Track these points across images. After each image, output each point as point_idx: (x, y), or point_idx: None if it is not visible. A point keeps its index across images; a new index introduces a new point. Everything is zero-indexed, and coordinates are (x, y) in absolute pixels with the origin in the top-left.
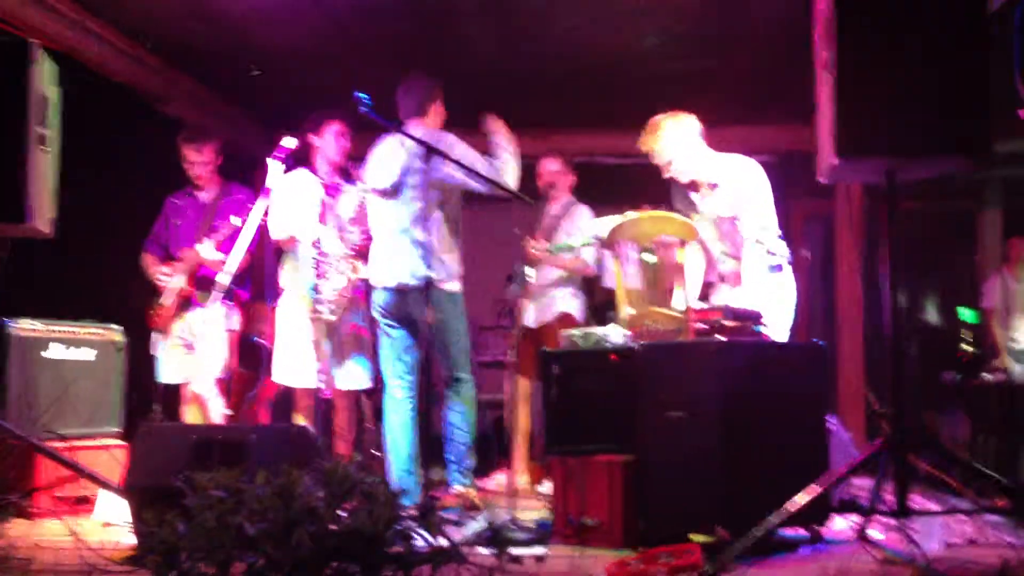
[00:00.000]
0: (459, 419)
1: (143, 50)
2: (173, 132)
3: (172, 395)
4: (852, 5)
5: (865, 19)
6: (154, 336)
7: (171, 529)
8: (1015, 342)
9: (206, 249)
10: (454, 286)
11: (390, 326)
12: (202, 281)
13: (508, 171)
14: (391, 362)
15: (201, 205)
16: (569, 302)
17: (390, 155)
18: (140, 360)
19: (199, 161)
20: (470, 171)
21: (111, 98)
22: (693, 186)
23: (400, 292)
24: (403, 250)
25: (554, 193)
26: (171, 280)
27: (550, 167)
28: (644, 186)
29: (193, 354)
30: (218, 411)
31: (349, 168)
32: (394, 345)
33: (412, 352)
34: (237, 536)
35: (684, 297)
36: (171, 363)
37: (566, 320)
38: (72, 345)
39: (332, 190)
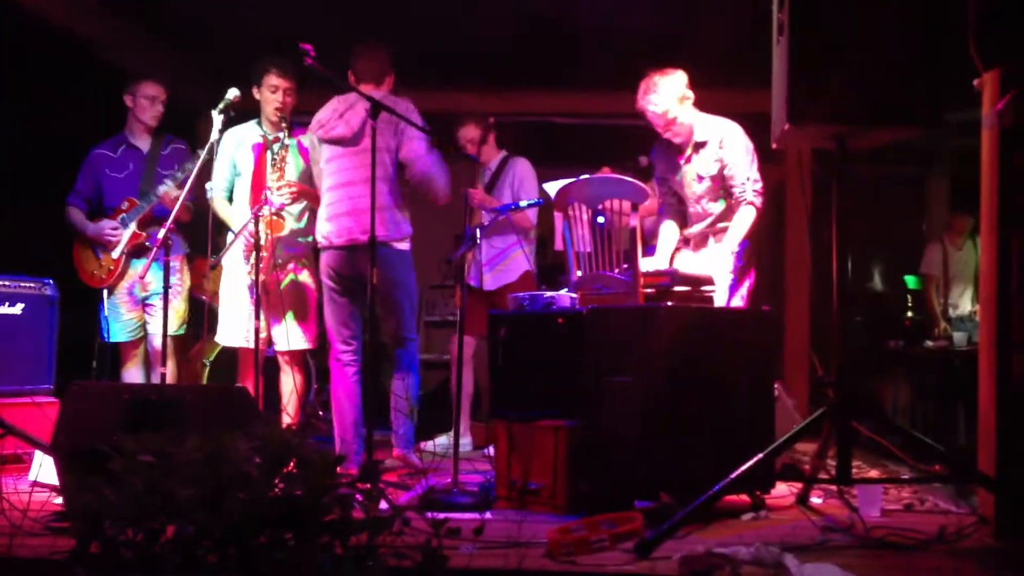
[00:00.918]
0: (401, 386)
1: None
2: (111, 81)
3: (108, 352)
4: None
5: None
6: (103, 294)
7: (95, 494)
8: (954, 308)
9: (172, 189)
10: (405, 245)
11: (335, 289)
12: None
13: (443, 181)
14: (337, 326)
15: (142, 156)
16: (522, 257)
17: (350, 110)
18: (76, 315)
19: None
20: (426, 140)
21: (45, 43)
22: (678, 145)
23: (350, 250)
24: (357, 207)
25: (485, 152)
26: (121, 233)
27: (469, 135)
28: (600, 147)
29: (152, 310)
30: (171, 371)
31: (290, 123)
32: (340, 309)
33: (357, 316)
34: (166, 502)
35: (635, 261)
36: (124, 320)
37: (527, 278)
38: (2, 299)
39: (276, 146)
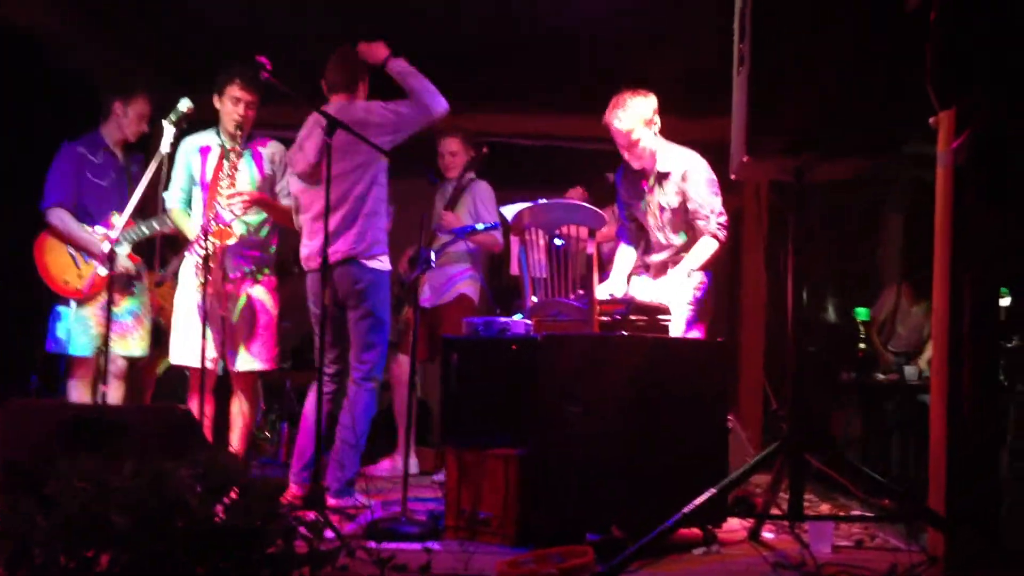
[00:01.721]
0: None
1: None
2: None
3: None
4: (766, 2)
5: (780, 16)
6: (65, 304)
7: (24, 519)
8: (894, 350)
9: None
10: (376, 263)
11: (314, 313)
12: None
13: (424, 99)
14: (322, 350)
15: (120, 166)
16: (468, 284)
17: (308, 138)
18: (17, 328)
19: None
20: (394, 131)
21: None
22: (642, 172)
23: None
24: (321, 230)
25: (454, 171)
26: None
27: (450, 147)
28: (560, 170)
29: (119, 328)
30: (120, 393)
31: (249, 134)
32: (323, 332)
33: (340, 340)
34: (101, 529)
35: (591, 288)
36: (92, 335)
37: (463, 302)
38: None
39: (232, 155)
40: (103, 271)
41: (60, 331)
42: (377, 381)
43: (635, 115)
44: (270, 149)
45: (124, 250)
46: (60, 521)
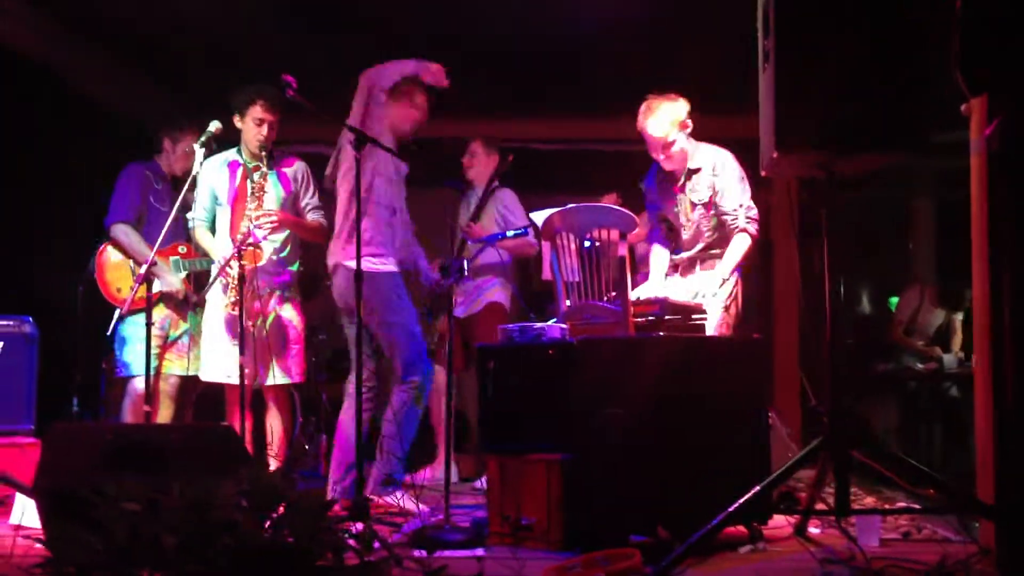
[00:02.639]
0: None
1: (55, 23)
2: (83, 112)
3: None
4: None
5: (803, 10)
6: (122, 320)
7: (82, 544)
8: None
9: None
10: (369, 264)
11: (346, 321)
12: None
13: None
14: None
15: (174, 196)
16: (497, 292)
17: (340, 151)
18: (54, 353)
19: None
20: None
21: (17, 75)
22: (672, 173)
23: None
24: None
25: (477, 177)
26: (167, 276)
27: (469, 150)
28: (584, 174)
29: (174, 349)
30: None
31: (272, 153)
32: (353, 340)
33: (370, 347)
34: (151, 550)
35: (625, 290)
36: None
37: (495, 309)
38: None
39: (256, 175)
40: (158, 286)
41: (127, 355)
42: (413, 382)
43: (668, 119)
44: (294, 167)
45: (180, 276)
46: (111, 545)
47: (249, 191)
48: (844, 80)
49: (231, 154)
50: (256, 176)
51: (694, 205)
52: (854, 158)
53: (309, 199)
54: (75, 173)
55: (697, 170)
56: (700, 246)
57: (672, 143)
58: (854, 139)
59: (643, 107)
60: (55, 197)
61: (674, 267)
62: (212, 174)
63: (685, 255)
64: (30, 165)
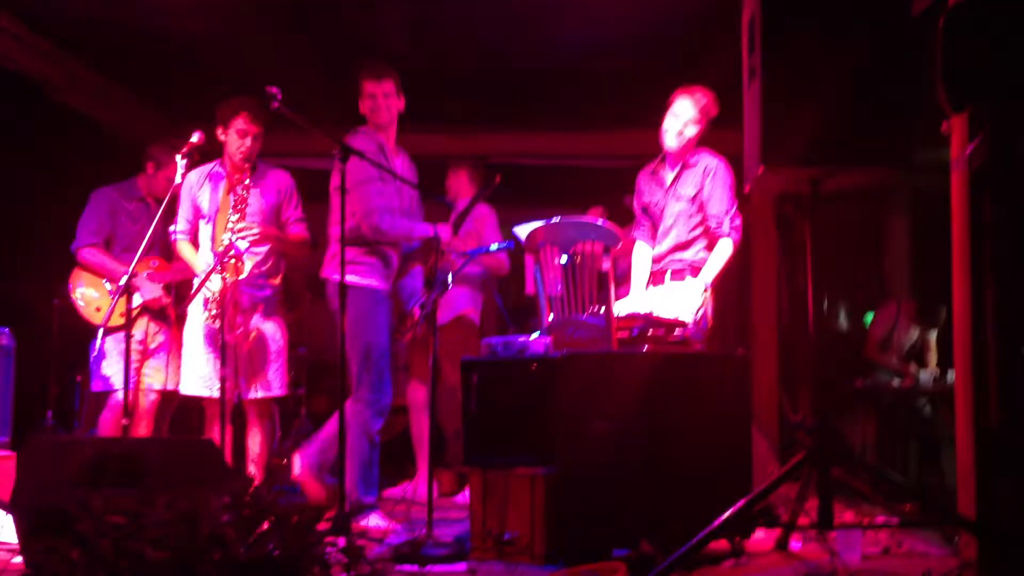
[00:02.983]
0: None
1: (34, 33)
2: (66, 124)
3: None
4: (777, 12)
5: (790, 26)
6: (106, 336)
7: (63, 558)
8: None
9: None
10: (352, 279)
11: None
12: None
13: None
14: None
15: (152, 212)
16: (465, 303)
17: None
18: (29, 364)
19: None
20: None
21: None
22: (666, 164)
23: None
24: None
25: (458, 191)
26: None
27: (457, 180)
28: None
29: (152, 362)
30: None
31: (256, 165)
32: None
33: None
34: (137, 565)
35: (609, 304)
36: (121, 368)
37: (463, 321)
38: None
39: (238, 188)
40: (137, 300)
41: (106, 369)
42: (364, 401)
43: (699, 105)
44: (276, 179)
45: (154, 288)
46: (95, 559)
47: (231, 203)
48: (831, 96)
49: (213, 166)
50: (239, 189)
51: (679, 197)
52: (840, 173)
53: (292, 212)
54: (53, 184)
55: (691, 165)
56: (672, 243)
57: (688, 138)
58: (841, 155)
59: (685, 87)
60: (33, 208)
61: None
62: (194, 187)
63: (658, 249)
64: (7, 175)
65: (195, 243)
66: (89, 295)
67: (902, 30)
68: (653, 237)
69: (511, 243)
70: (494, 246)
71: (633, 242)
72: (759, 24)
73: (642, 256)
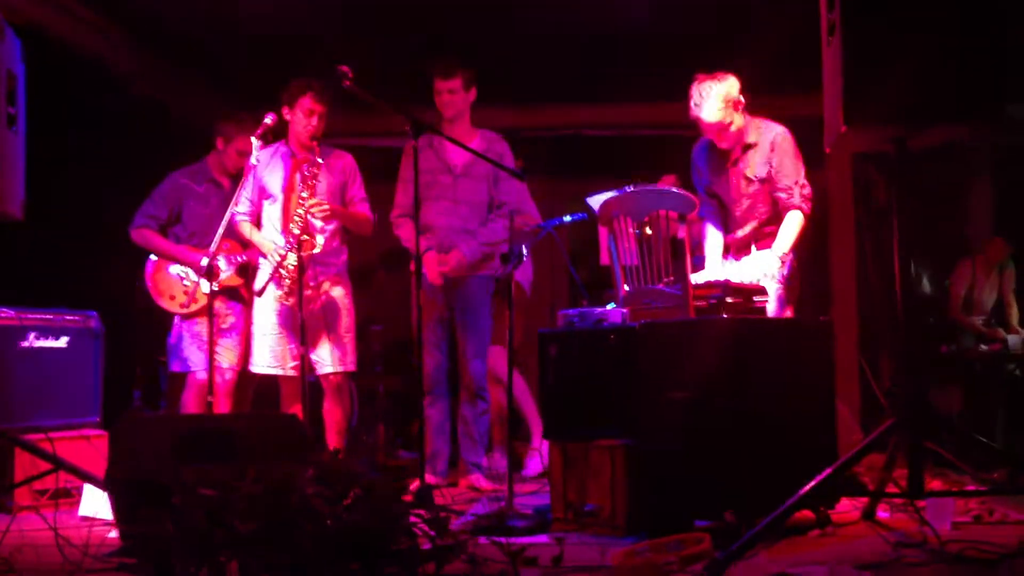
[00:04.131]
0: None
1: (112, 24)
2: (141, 111)
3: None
4: None
5: None
6: (179, 320)
7: (161, 530)
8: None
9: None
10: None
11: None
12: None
13: None
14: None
15: (224, 194)
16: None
17: None
18: (117, 347)
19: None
20: None
21: (76, 74)
22: (724, 149)
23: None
24: None
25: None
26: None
27: None
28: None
29: (240, 340)
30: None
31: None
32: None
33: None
34: (230, 536)
35: (685, 272)
36: (202, 349)
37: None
38: (47, 333)
39: (306, 166)
40: (205, 286)
41: (184, 350)
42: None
43: (721, 101)
44: (340, 159)
45: (228, 270)
46: (189, 531)
47: (300, 181)
48: (916, 49)
49: (279, 147)
50: (307, 167)
51: (749, 181)
52: (927, 131)
53: (356, 191)
54: (138, 170)
55: (753, 145)
56: (754, 223)
57: (728, 124)
58: (927, 110)
59: (693, 92)
60: (121, 194)
61: (725, 249)
62: (261, 167)
63: (740, 233)
64: (95, 162)
65: (257, 225)
66: (165, 281)
67: None
68: (721, 218)
69: (584, 214)
70: (567, 217)
71: (699, 221)
72: None
73: (714, 240)
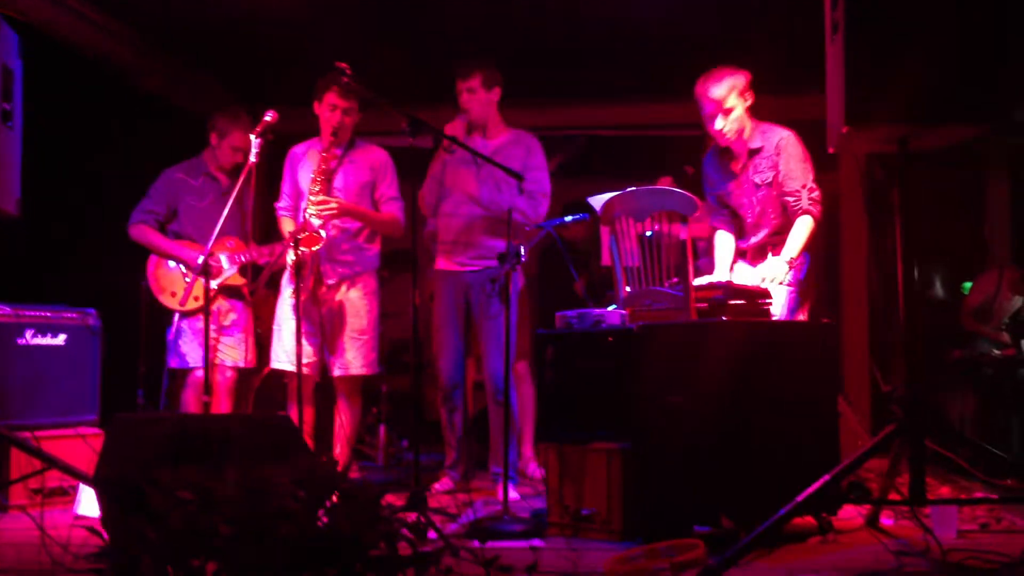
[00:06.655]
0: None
1: (113, 20)
2: (144, 108)
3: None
4: None
5: None
6: (179, 317)
7: (134, 532)
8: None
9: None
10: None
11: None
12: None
13: None
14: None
15: (221, 189)
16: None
17: None
18: (118, 344)
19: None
20: None
21: (79, 72)
22: (731, 154)
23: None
24: None
25: None
26: (224, 269)
27: None
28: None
29: (228, 339)
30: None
31: (353, 140)
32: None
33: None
34: (206, 539)
35: (687, 274)
36: (201, 346)
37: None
38: (45, 331)
39: (328, 161)
40: (204, 282)
41: (183, 347)
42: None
43: (729, 84)
44: (371, 155)
45: (230, 268)
46: (166, 533)
47: (312, 176)
48: (919, 48)
49: (312, 142)
50: (322, 162)
51: (757, 187)
52: (931, 131)
53: (385, 189)
54: (139, 167)
55: (759, 150)
56: (766, 230)
57: (731, 109)
58: (931, 110)
59: (704, 75)
60: (120, 190)
61: (740, 254)
62: (293, 162)
63: (753, 240)
64: (95, 158)
65: (296, 219)
66: (165, 277)
67: None
68: (734, 226)
69: (586, 214)
70: (568, 217)
71: (711, 229)
72: None
73: (725, 246)
